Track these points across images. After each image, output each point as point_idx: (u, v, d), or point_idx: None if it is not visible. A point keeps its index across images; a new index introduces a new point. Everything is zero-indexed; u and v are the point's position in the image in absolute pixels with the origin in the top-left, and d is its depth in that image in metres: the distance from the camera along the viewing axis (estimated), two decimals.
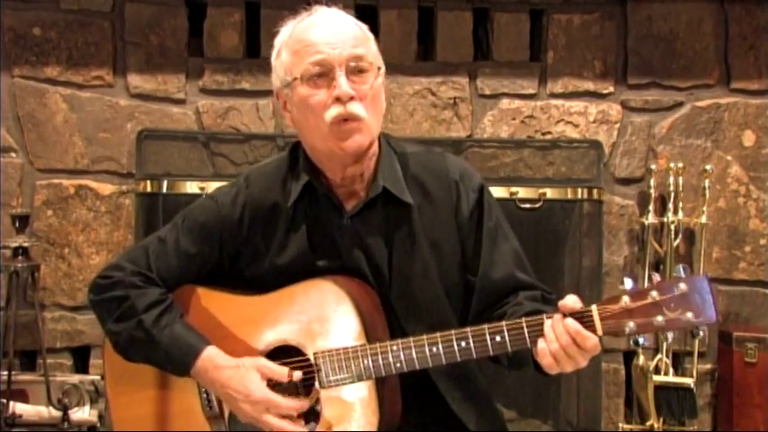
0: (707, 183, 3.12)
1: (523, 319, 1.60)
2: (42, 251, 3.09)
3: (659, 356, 3.05)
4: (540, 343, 1.56)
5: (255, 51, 3.13)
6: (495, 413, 1.90)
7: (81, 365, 3.14)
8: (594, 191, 3.09)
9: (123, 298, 1.78)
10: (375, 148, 1.78)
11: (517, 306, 1.75)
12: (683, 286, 1.51)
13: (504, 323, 1.61)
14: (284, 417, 1.69)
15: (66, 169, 3.11)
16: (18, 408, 2.90)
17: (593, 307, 1.55)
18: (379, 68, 1.74)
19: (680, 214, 3.11)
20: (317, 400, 1.71)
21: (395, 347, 1.65)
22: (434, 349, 1.63)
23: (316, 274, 1.76)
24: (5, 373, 2.86)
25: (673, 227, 3.10)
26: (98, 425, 2.96)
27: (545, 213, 3.06)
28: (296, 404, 1.70)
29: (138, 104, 3.11)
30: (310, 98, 1.70)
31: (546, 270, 2.96)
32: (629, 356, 3.18)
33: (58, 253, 3.11)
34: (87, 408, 2.95)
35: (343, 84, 1.67)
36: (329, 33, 1.71)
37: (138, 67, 3.10)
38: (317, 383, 1.70)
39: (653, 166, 3.14)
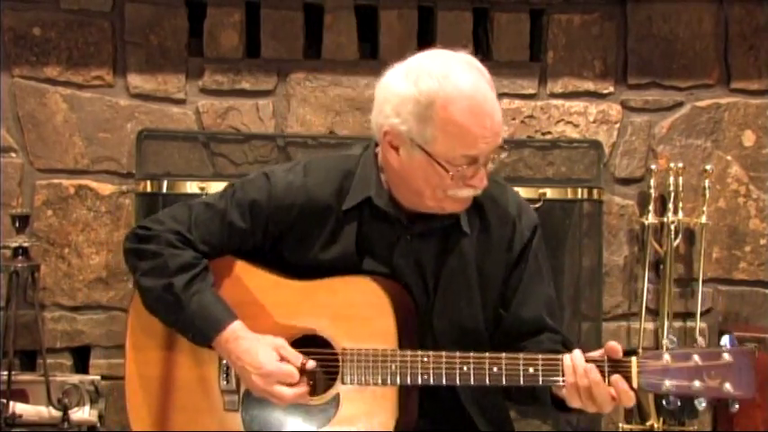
0: (707, 183, 3.12)
1: (561, 357, 1.60)
2: (42, 251, 3.08)
3: None
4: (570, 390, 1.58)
5: (255, 51, 3.13)
6: (509, 420, 1.92)
7: (81, 365, 3.14)
8: (594, 191, 3.09)
9: (157, 254, 1.77)
10: None
11: (537, 343, 1.77)
12: (727, 357, 1.51)
13: (540, 356, 1.62)
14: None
15: (67, 169, 3.11)
16: (18, 408, 2.89)
17: (633, 359, 1.56)
18: None
19: (680, 214, 3.11)
20: (336, 396, 1.71)
21: (425, 359, 1.65)
22: (465, 368, 1.64)
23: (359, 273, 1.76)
24: (5, 373, 2.85)
25: (673, 227, 3.10)
26: (98, 425, 2.96)
27: (545, 213, 3.05)
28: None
29: (138, 104, 3.11)
30: (444, 175, 1.65)
31: None
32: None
33: (58, 253, 3.11)
34: (87, 408, 2.95)
35: (484, 178, 1.67)
36: (487, 125, 1.63)
37: (138, 67, 3.10)
38: (338, 380, 1.70)
39: (653, 166, 3.14)
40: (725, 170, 3.21)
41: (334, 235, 1.79)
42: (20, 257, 2.89)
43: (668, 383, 1.53)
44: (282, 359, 1.69)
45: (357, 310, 1.72)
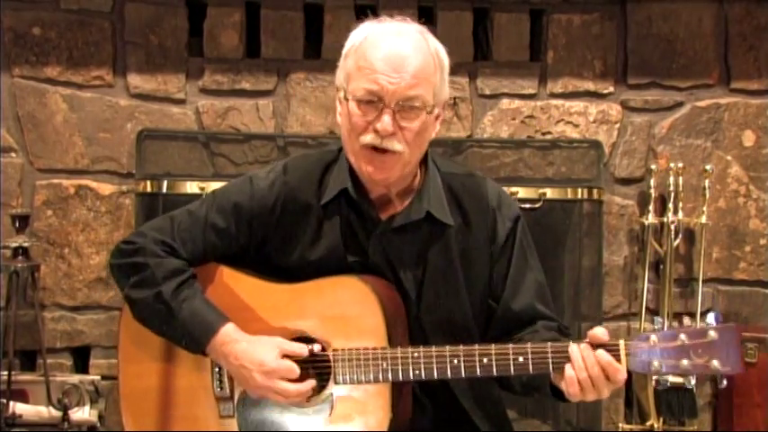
0: (707, 183, 3.12)
1: (549, 344, 1.61)
2: (42, 251, 3.08)
3: None
4: (568, 370, 1.58)
5: (255, 51, 3.13)
6: (507, 418, 1.92)
7: (81, 365, 3.14)
8: (594, 191, 3.09)
9: (143, 265, 1.76)
10: (413, 172, 1.79)
11: (534, 333, 1.77)
12: (712, 334, 1.52)
13: (528, 345, 1.63)
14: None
15: (67, 169, 3.11)
16: (18, 408, 2.89)
17: (621, 342, 1.58)
18: (433, 107, 1.71)
19: (680, 214, 3.11)
20: (330, 396, 1.72)
21: (416, 354, 1.66)
22: (455, 362, 1.64)
23: (347, 271, 1.76)
24: (5, 373, 2.85)
25: (673, 227, 3.10)
26: (98, 425, 2.96)
27: (545, 213, 3.06)
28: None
29: (138, 104, 3.11)
30: (354, 116, 1.70)
31: (546, 270, 2.95)
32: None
33: (58, 253, 3.11)
34: (87, 408, 2.95)
35: (385, 121, 1.67)
36: (393, 63, 1.67)
37: (138, 67, 3.10)
38: (331, 380, 1.71)
39: (653, 166, 3.14)
40: (725, 170, 3.22)
41: (319, 231, 1.79)
42: (20, 257, 2.89)
43: (657, 363, 1.55)
44: (285, 356, 1.69)
45: (345, 310, 1.72)
